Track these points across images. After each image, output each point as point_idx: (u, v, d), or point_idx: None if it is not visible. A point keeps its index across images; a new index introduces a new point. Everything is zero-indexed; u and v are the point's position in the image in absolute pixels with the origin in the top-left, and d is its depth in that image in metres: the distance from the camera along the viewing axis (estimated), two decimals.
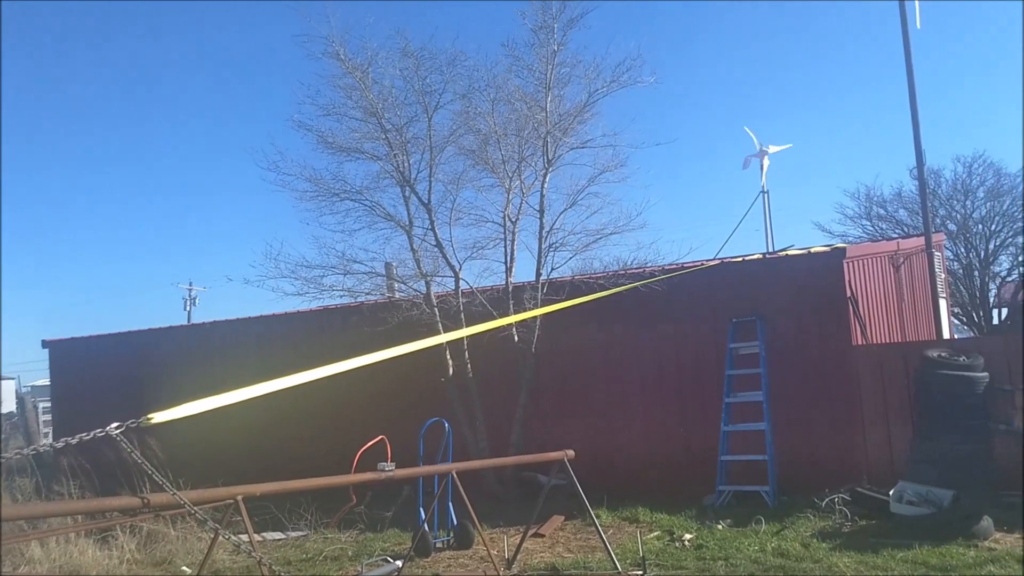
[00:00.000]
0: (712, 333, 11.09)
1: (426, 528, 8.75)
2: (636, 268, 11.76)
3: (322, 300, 12.25)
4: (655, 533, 9.15)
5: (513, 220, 11.77)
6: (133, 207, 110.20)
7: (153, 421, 4.49)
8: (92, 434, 4.23)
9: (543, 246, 11.64)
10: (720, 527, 9.11)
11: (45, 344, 17.42)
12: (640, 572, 7.39)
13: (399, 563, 8.26)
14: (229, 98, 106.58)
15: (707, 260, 11.87)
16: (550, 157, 11.71)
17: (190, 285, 52.86)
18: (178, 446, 10.47)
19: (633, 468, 11.39)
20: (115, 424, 4.34)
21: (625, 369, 11.74)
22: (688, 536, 8.79)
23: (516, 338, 11.53)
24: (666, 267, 11.60)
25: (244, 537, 5.28)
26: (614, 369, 11.82)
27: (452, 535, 9.21)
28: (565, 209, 11.75)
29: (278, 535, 10.17)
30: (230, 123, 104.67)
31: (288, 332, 14.52)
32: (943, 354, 9.25)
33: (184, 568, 8.50)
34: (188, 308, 52.45)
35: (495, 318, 9.49)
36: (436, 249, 11.78)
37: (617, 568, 7.34)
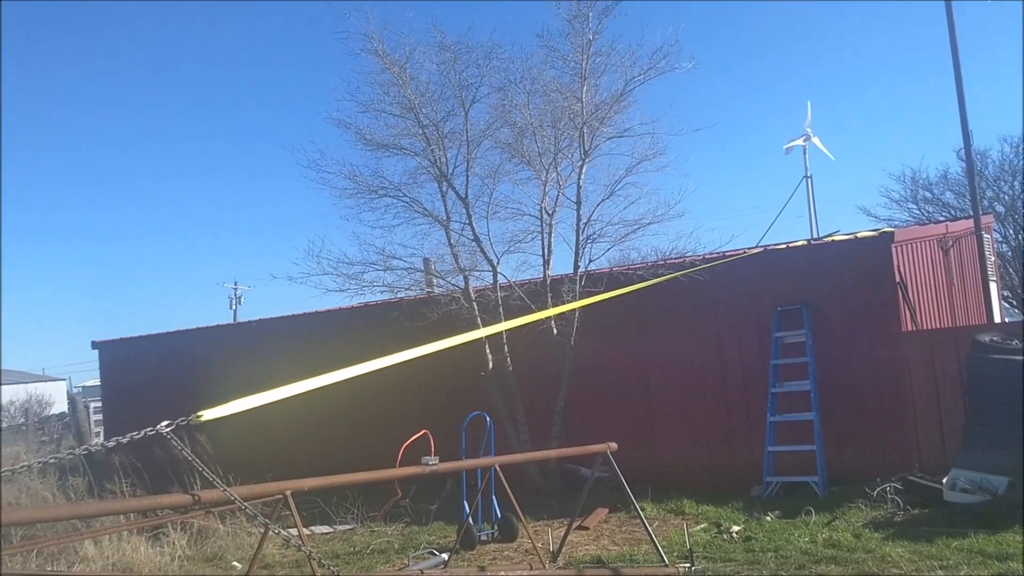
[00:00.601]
0: (756, 322, 10.95)
1: (471, 521, 8.77)
2: (676, 258, 11.65)
3: (363, 296, 12.35)
4: (701, 525, 9.07)
5: (550, 213, 11.72)
6: (180, 211, 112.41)
7: (203, 419, 4.55)
8: (143, 432, 4.29)
9: (580, 238, 11.58)
10: (769, 519, 8.99)
11: (95, 345, 17.79)
12: (688, 564, 7.33)
13: (445, 556, 8.31)
14: (272, 98, 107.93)
15: (750, 248, 11.70)
16: (587, 148, 11.63)
17: (235, 284, 53.64)
18: (226, 443, 10.63)
19: (677, 460, 11.30)
20: (165, 422, 4.40)
21: (667, 360, 11.64)
22: (736, 528, 8.69)
23: (555, 331, 11.49)
24: (707, 256, 11.46)
25: (293, 531, 5.33)
26: (655, 360, 11.73)
27: (496, 528, 9.23)
28: (602, 200, 11.68)
29: (325, 528, 10.28)
30: (273, 124, 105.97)
31: (330, 329, 14.65)
32: (995, 338, 9.02)
33: (235, 563, 8.63)
34: (234, 307, 53.23)
35: (533, 311, 9.44)
36: (474, 243, 11.79)
37: (664, 560, 7.28)
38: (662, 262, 11.47)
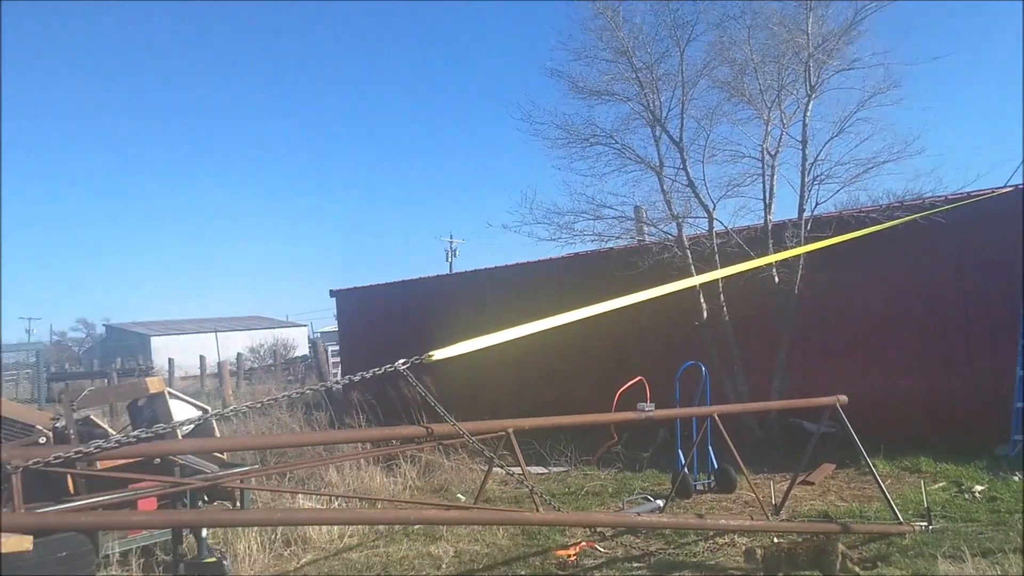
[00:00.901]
0: (1002, 266, 9.85)
1: (686, 470, 8.70)
2: (913, 199, 10.69)
3: (573, 246, 12.45)
4: (940, 484, 8.43)
5: (772, 154, 11.15)
6: (406, 166, 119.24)
7: (434, 358, 4.81)
8: (383, 369, 4.61)
9: (806, 179, 10.93)
10: (1016, 479, 8.20)
11: (332, 293, 19.37)
12: (925, 523, 6.85)
13: (660, 503, 8.32)
14: (488, 52, 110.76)
15: (998, 188, 10.49)
16: (813, 83, 10.90)
17: (451, 238, 56.26)
18: (446, 384, 11.22)
19: (910, 416, 10.52)
20: (402, 360, 4.70)
21: (899, 308, 10.79)
22: (979, 488, 8.01)
23: (776, 279, 10.99)
24: (949, 196, 10.42)
25: (514, 469, 5.54)
26: (887, 309, 10.91)
27: (713, 478, 9.10)
28: (831, 138, 10.93)
29: (540, 469, 10.63)
30: (489, 80, 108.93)
31: (541, 278, 14.94)
32: None
33: (459, 495, 9.15)
34: (449, 259, 55.93)
35: (752, 258, 9.06)
36: (688, 189, 11.48)
37: (898, 518, 6.85)
38: (898, 203, 10.57)
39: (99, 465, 5.62)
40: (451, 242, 56.16)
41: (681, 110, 11.38)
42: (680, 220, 11.59)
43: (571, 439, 10.73)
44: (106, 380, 30.18)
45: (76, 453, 3.53)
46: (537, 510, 5.20)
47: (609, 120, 12.12)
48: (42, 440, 7.45)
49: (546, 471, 10.61)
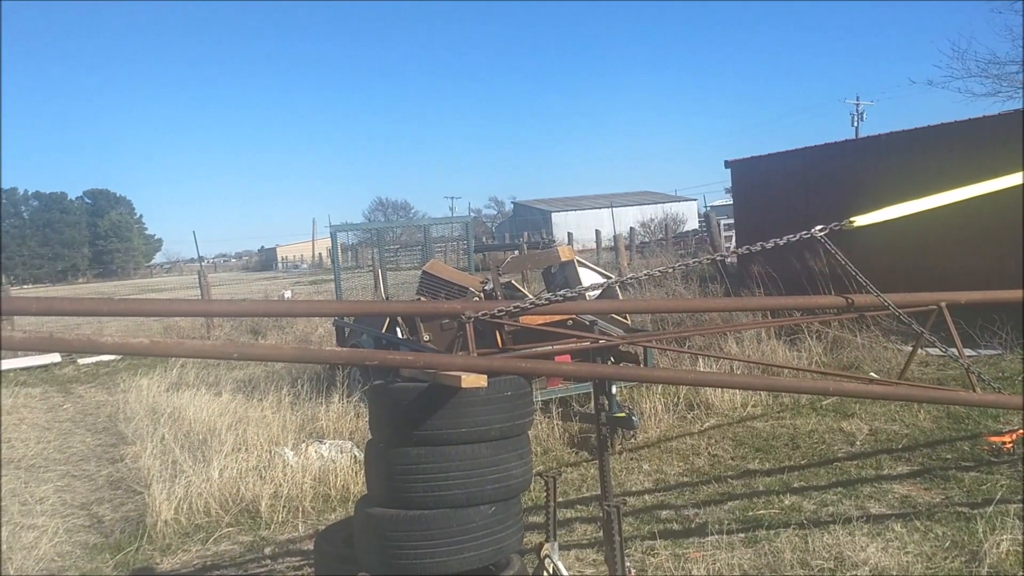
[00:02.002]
0: None
1: None
2: None
3: (1015, 102, 10.56)
4: None
5: None
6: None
7: (855, 224, 4.46)
8: (797, 236, 4.39)
9: None
10: None
11: (727, 164, 18.94)
12: None
13: None
14: None
15: None
16: None
17: (857, 100, 51.57)
18: (858, 259, 10.43)
19: None
20: (818, 227, 4.43)
21: None
22: None
23: None
24: None
25: (932, 350, 5.00)
26: None
27: None
28: None
29: (968, 352, 9.52)
30: None
31: (967, 140, 12.97)
32: None
33: (872, 374, 8.61)
34: (855, 124, 51.47)
35: None
36: None
37: None
38: None
39: (521, 323, 6.24)
40: (857, 104, 51.44)
41: None
42: None
43: (1007, 319, 9.43)
44: (516, 251, 33.32)
45: (516, 308, 3.92)
46: (974, 389, 4.69)
47: None
48: (475, 299, 8.51)
49: (975, 353, 9.50)
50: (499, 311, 3.92)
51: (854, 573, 4.23)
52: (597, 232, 39.21)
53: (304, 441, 7.29)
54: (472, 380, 3.33)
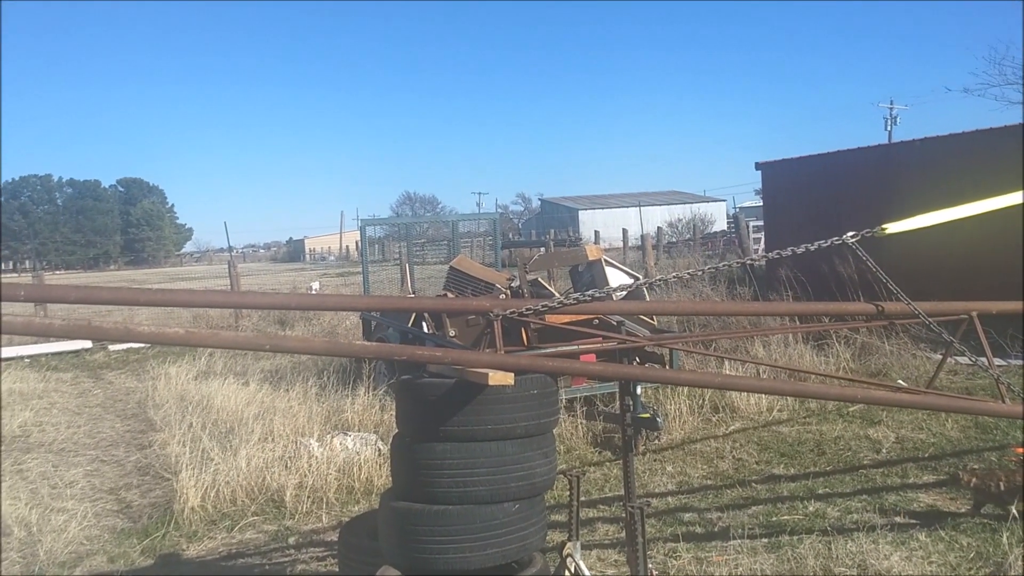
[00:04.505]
0: None
1: None
2: None
3: None
4: None
5: None
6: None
7: (887, 232, 4.43)
8: (829, 242, 4.36)
9: None
10: None
11: (758, 166, 18.78)
12: None
13: None
14: None
15: None
16: None
17: (891, 104, 50.91)
18: (887, 265, 10.32)
19: None
20: (850, 233, 4.40)
21: None
22: None
23: None
24: None
25: (960, 359, 4.95)
26: None
27: None
28: None
29: (999, 361, 9.39)
30: None
31: (1005, 147, 12.75)
32: None
33: (899, 381, 8.52)
34: (888, 128, 50.81)
35: None
36: None
37: None
38: None
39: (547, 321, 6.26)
40: (891, 108, 50.77)
41: None
42: None
43: None
44: (543, 249, 33.33)
45: (544, 306, 3.94)
46: (1003, 400, 4.63)
47: None
48: (501, 297, 8.53)
49: (1005, 363, 9.37)
50: (527, 309, 3.94)
51: None
52: (624, 231, 39.06)
53: (329, 433, 7.37)
54: (499, 378, 3.36)
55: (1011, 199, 5.10)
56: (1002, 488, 4.85)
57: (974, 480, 4.98)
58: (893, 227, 4.44)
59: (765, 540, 4.90)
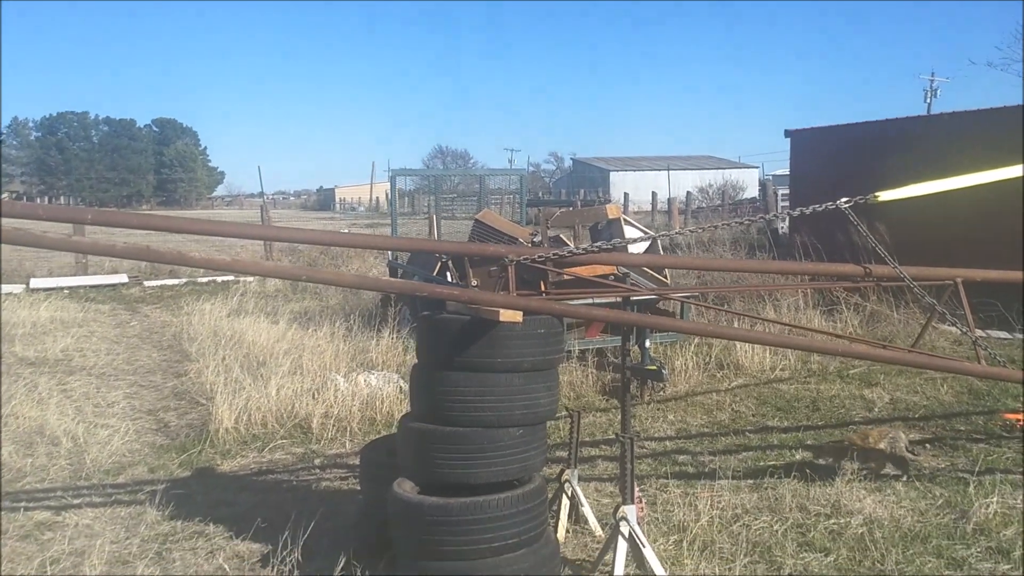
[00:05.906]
0: None
1: None
2: None
3: None
4: None
5: None
6: None
7: (880, 199, 4.74)
8: (824, 206, 4.68)
9: None
10: None
11: (787, 134, 18.80)
12: None
13: None
14: None
15: None
16: None
17: (932, 76, 49.97)
18: (905, 235, 10.51)
19: None
20: (844, 199, 4.72)
21: None
22: None
23: None
24: None
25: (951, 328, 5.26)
26: None
27: None
28: None
29: (1003, 334, 9.66)
30: None
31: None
32: None
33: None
34: (928, 100, 49.94)
35: None
36: None
37: None
38: None
39: (564, 276, 6.64)
40: (932, 80, 49.84)
41: None
42: None
43: None
44: (571, 208, 33.55)
45: (553, 255, 4.32)
46: (979, 362, 4.96)
47: None
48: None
49: (1010, 336, 9.62)
50: (540, 256, 4.32)
51: (848, 520, 4.60)
52: (653, 194, 39.05)
53: (355, 371, 7.85)
54: (509, 315, 3.75)
55: (1009, 172, 5.36)
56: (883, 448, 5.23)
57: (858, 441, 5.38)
58: (885, 195, 4.74)
59: (750, 481, 5.30)
